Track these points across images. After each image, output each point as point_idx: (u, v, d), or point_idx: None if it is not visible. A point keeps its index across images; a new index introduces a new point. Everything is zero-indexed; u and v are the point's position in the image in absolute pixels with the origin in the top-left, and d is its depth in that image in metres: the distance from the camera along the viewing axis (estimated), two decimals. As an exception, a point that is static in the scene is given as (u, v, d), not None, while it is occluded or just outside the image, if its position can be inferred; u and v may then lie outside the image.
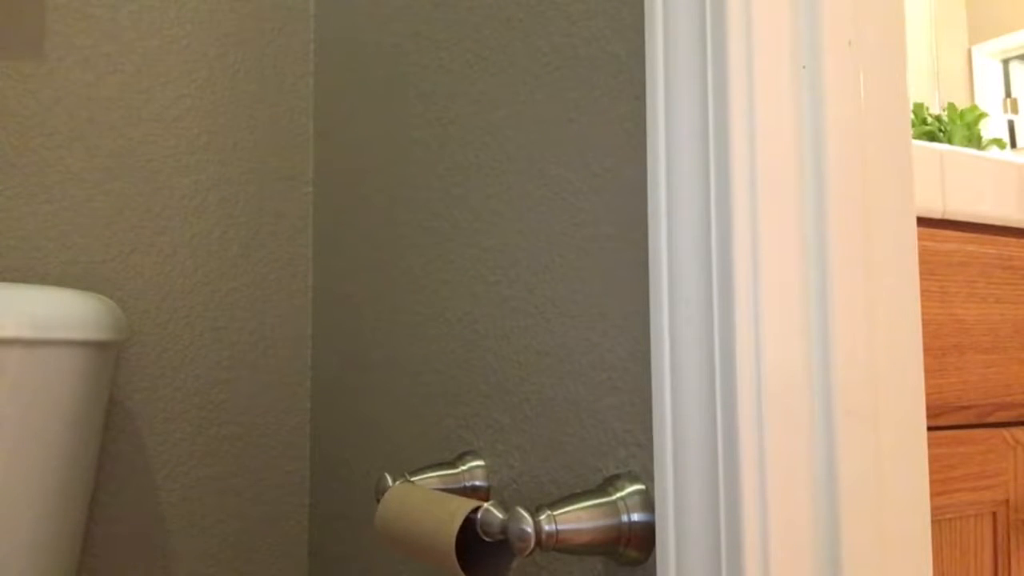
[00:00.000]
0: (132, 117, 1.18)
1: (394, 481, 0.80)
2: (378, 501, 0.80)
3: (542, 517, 0.62)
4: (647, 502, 0.64)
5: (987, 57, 1.78)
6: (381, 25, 1.11)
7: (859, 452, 0.57)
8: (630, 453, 0.67)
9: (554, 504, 0.63)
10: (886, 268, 0.59)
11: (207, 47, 1.24)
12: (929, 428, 0.67)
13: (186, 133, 1.22)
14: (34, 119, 1.13)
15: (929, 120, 1.64)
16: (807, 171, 0.57)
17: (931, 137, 1.63)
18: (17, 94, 1.13)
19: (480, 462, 0.84)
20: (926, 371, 0.80)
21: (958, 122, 1.65)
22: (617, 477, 0.67)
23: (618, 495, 0.65)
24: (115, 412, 1.13)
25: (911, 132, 0.64)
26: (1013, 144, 1.72)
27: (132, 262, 1.17)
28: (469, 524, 0.68)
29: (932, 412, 0.82)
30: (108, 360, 1.00)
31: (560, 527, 0.62)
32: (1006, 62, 1.79)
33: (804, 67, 0.57)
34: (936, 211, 0.87)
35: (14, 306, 0.92)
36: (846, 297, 0.57)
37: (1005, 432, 0.87)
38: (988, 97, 1.76)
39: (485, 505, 0.65)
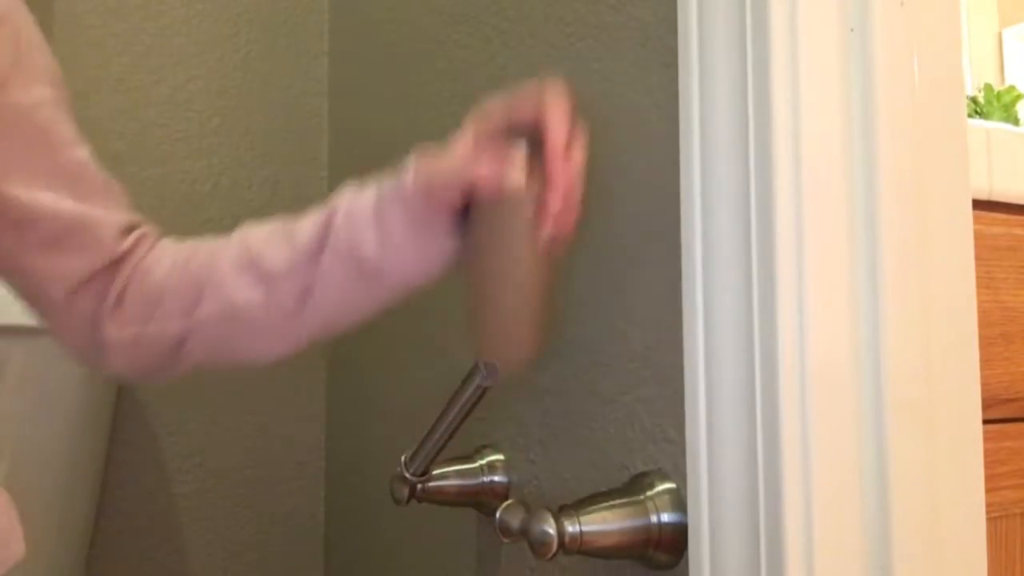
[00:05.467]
0: (143, 99, 1.16)
1: (407, 472, 0.77)
2: (394, 498, 0.78)
3: (565, 518, 0.60)
4: (678, 501, 0.62)
5: (1017, 40, 1.76)
6: (397, 1, 1.08)
7: (911, 447, 0.54)
8: (660, 449, 0.64)
9: (578, 504, 0.61)
10: (941, 252, 0.57)
11: (219, 26, 1.21)
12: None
13: (198, 116, 1.19)
14: (42, 101, 1.11)
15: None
16: (856, 146, 0.54)
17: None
18: (24, 75, 1.11)
19: (499, 456, 0.82)
20: (972, 361, 0.77)
21: (995, 103, 1.62)
22: (646, 475, 0.64)
23: (647, 494, 0.63)
24: (125, 402, 1.12)
25: (965, 104, 0.60)
26: (1046, 125, 1.70)
27: (142, 248, 1.15)
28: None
29: (978, 405, 0.78)
30: (116, 349, 0.99)
31: (585, 529, 0.60)
32: (1036, 45, 1.78)
33: (852, 30, 0.53)
34: (983, 192, 0.83)
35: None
36: (897, 281, 0.54)
37: (1056, 426, 0.84)
38: (1018, 80, 1.75)
39: (504, 504, 0.63)
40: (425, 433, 0.75)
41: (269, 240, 0.62)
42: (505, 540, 0.63)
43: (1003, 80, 1.76)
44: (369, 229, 0.58)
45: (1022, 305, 0.84)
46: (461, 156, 0.56)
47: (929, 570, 0.54)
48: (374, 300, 0.61)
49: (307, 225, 0.61)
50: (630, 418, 0.68)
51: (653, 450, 0.65)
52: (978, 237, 0.82)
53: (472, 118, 0.58)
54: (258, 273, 0.61)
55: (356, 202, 0.60)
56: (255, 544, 1.19)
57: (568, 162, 0.54)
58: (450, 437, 0.74)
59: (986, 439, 0.80)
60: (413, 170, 0.58)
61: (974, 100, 1.62)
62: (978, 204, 0.84)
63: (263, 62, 1.24)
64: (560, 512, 0.60)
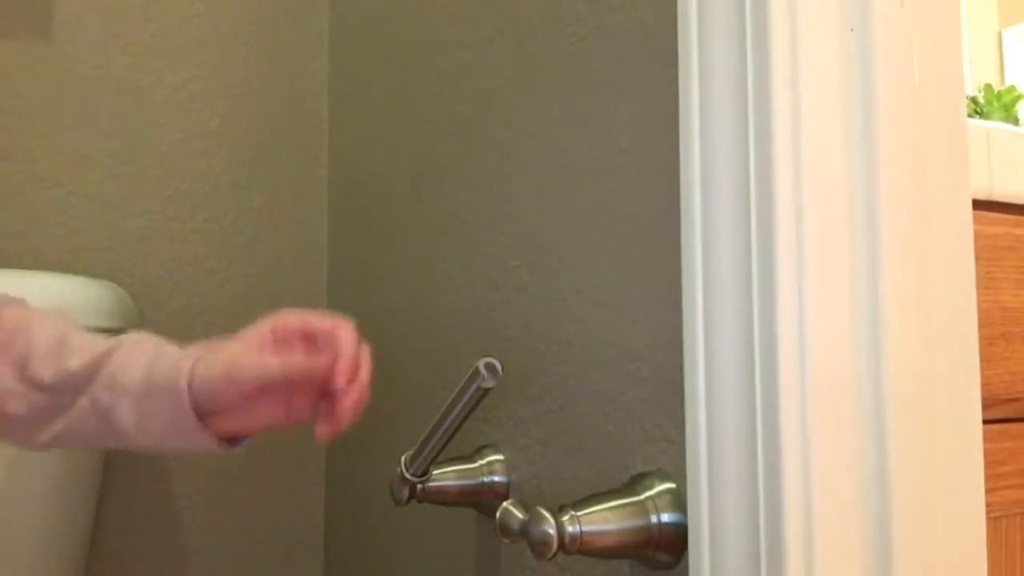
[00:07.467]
0: (142, 99, 1.16)
1: (407, 472, 0.77)
2: (394, 498, 0.77)
3: (565, 518, 0.59)
4: (678, 502, 0.61)
5: (1017, 40, 1.75)
6: (397, 1, 1.07)
7: (911, 447, 0.53)
8: (659, 449, 0.63)
9: (578, 504, 0.61)
10: (941, 252, 0.56)
11: (219, 26, 1.21)
12: (977, 422, 0.63)
13: (197, 115, 1.19)
14: (43, 102, 1.11)
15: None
16: (856, 145, 0.53)
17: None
18: (26, 76, 1.10)
19: (499, 456, 0.81)
20: (972, 362, 0.76)
21: (995, 103, 1.62)
22: (645, 475, 0.64)
23: (647, 494, 0.62)
24: (125, 402, 1.11)
25: (965, 104, 0.60)
26: (1047, 126, 1.69)
27: (142, 248, 1.14)
28: None
29: (978, 405, 0.78)
30: (116, 349, 0.98)
31: (584, 529, 0.59)
32: (1036, 45, 1.77)
33: (852, 30, 0.53)
34: (982, 192, 0.82)
35: (17, 293, 0.90)
36: (897, 281, 0.53)
37: (1056, 426, 0.83)
38: (1018, 80, 1.75)
39: (504, 504, 0.62)
40: (425, 433, 0.74)
41: (47, 346, 0.60)
42: (505, 540, 0.62)
43: (1003, 80, 1.75)
44: (130, 410, 0.58)
45: (1022, 305, 0.84)
46: (254, 345, 0.60)
47: (929, 570, 0.53)
48: (123, 446, 0.61)
49: (81, 354, 0.60)
50: (630, 418, 0.67)
51: (653, 450, 0.64)
52: (978, 237, 0.81)
53: (267, 319, 0.61)
54: (24, 376, 0.59)
55: (126, 371, 0.59)
56: (255, 544, 1.18)
57: (356, 376, 0.58)
58: (450, 437, 0.73)
59: (986, 439, 0.79)
60: (191, 366, 0.59)
61: (974, 100, 1.61)
62: (978, 204, 0.83)
63: (263, 62, 1.23)
64: (560, 512, 0.59)
